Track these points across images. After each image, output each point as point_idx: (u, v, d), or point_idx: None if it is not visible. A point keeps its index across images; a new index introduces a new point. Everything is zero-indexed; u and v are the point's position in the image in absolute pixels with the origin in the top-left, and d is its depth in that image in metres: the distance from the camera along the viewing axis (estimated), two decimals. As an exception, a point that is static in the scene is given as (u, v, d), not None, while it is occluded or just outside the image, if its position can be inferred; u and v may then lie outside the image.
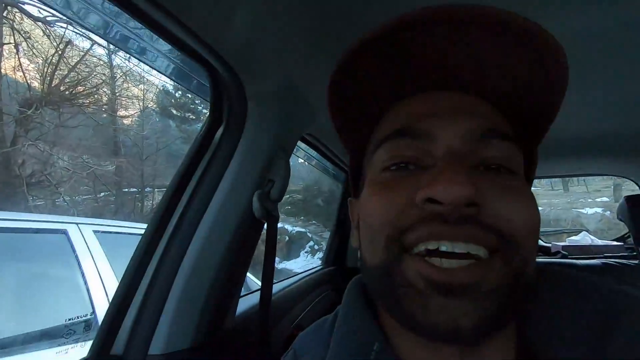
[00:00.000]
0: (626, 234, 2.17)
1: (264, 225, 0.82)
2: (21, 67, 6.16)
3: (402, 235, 0.29)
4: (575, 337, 0.31)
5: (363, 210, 0.35)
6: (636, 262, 1.48)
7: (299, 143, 1.27)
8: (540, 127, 0.36)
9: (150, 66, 0.71)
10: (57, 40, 6.57)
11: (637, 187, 2.15)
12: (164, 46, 0.69)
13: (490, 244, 0.28)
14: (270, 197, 0.78)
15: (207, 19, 0.54)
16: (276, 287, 1.18)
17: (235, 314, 0.82)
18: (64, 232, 1.83)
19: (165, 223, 0.70)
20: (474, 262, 0.27)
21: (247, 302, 0.95)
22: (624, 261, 1.50)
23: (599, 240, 2.29)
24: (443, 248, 0.28)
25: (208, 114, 0.74)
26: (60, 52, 6.57)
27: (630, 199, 1.44)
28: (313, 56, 0.75)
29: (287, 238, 9.78)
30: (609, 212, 10.52)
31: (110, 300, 0.66)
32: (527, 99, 0.33)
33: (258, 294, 0.84)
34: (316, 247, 9.28)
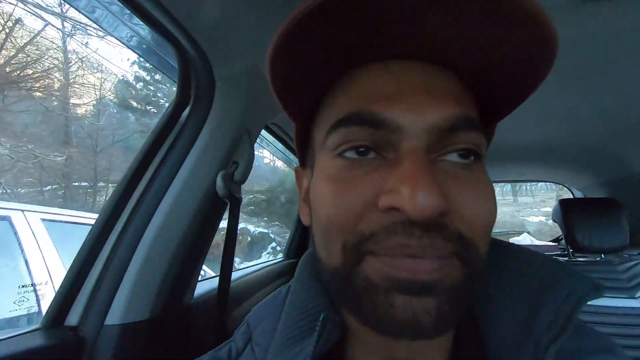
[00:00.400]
0: (560, 236, 2.40)
1: (226, 207, 0.84)
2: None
3: (363, 243, 0.28)
4: (515, 304, 0.33)
5: (315, 204, 0.32)
6: (566, 259, 1.64)
7: (266, 135, 1.29)
8: (510, 106, 0.33)
9: (117, 39, 0.71)
10: (4, 17, 6.07)
11: (572, 195, 2.40)
12: (133, 21, 0.69)
13: (451, 250, 0.27)
14: (234, 178, 0.80)
15: None
16: (237, 275, 1.19)
17: (194, 292, 0.83)
18: (6, 219, 1.71)
19: (127, 198, 0.70)
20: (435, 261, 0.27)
21: (206, 286, 0.96)
22: (557, 258, 1.66)
23: (537, 241, 2.50)
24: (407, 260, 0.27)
25: (175, 93, 0.75)
26: (7, 31, 6.07)
27: (563, 203, 1.59)
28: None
29: (249, 239, 9.64)
30: (550, 220, 11.43)
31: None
32: (505, 77, 0.30)
33: (217, 280, 0.86)
34: (278, 248, 9.22)
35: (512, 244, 0.39)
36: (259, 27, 0.70)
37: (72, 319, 0.62)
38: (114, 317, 0.62)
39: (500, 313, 0.33)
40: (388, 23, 0.26)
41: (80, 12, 0.66)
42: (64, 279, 0.63)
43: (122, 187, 0.70)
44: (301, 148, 0.40)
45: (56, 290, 0.64)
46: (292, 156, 1.61)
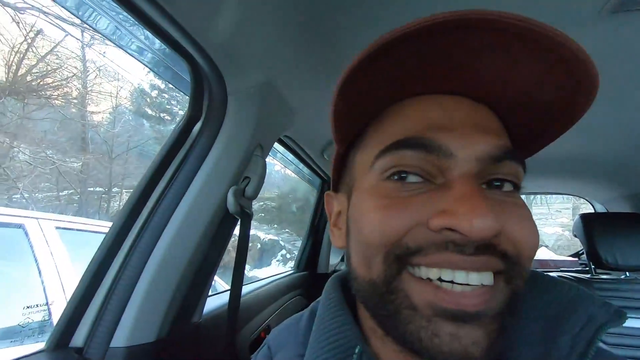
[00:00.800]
0: (580, 250, 2.31)
1: (237, 222, 0.82)
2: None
3: (409, 255, 0.28)
4: (534, 328, 0.33)
5: (358, 221, 0.32)
6: (588, 276, 1.58)
7: (277, 146, 1.28)
8: (542, 143, 0.35)
9: (131, 55, 0.71)
10: (27, 28, 6.28)
11: (592, 207, 2.32)
12: (146, 36, 0.69)
13: (497, 268, 0.28)
14: (245, 194, 0.78)
15: (192, 11, 0.55)
16: (246, 289, 1.17)
17: (203, 310, 0.81)
18: (21, 227, 1.73)
19: (136, 215, 0.69)
20: (482, 287, 0.27)
21: (216, 302, 0.94)
22: (578, 275, 1.59)
23: (557, 256, 2.42)
24: (458, 279, 0.27)
25: (187, 107, 0.74)
26: (29, 41, 6.28)
27: (584, 217, 1.54)
28: (295, 59, 0.77)
29: (259, 246, 9.64)
30: (567, 231, 11.13)
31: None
32: (543, 118, 0.32)
33: (227, 294, 0.84)
34: (288, 255, 9.20)
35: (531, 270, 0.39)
36: (271, 42, 0.69)
37: (78, 340, 0.60)
38: (120, 339, 0.60)
39: (520, 338, 0.33)
40: (444, 64, 0.28)
41: (93, 28, 0.65)
42: (70, 298, 0.62)
43: (132, 203, 0.68)
44: (337, 172, 0.40)
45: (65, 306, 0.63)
46: (303, 167, 1.59)
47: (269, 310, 1.21)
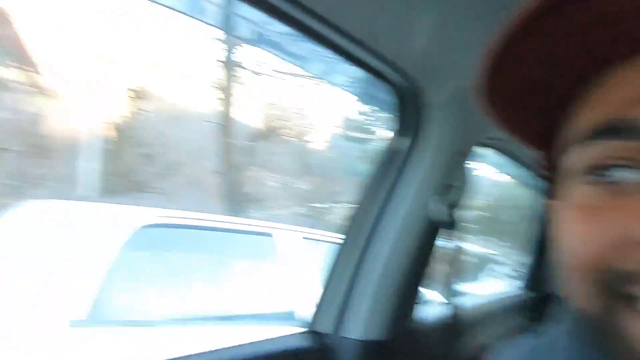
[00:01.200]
0: None
1: (440, 231, 0.82)
2: (246, 111, 8.20)
3: (622, 284, 0.21)
4: None
5: (555, 236, 0.27)
6: None
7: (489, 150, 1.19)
8: None
9: (341, 89, 0.84)
10: (266, 88, 8.45)
11: None
12: (352, 70, 0.80)
13: None
14: (449, 202, 0.77)
15: (390, 39, 0.60)
16: (468, 303, 1.14)
17: (416, 316, 0.84)
18: (270, 235, 2.27)
19: (361, 224, 0.79)
20: None
21: (433, 312, 0.95)
22: None
23: None
24: None
25: (391, 123, 0.81)
26: (273, 98, 8.39)
27: None
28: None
29: (475, 260, 8.96)
30: None
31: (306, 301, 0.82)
32: None
33: (446, 307, 0.86)
34: (508, 272, 8.09)
35: None
36: (470, 47, 0.66)
37: (323, 327, 0.76)
38: (353, 332, 0.72)
39: None
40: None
41: (312, 75, 0.82)
42: (322, 295, 0.79)
43: (354, 217, 0.80)
44: (549, 177, 0.33)
45: (315, 299, 0.80)
46: (512, 168, 1.41)
47: (489, 329, 1.12)
